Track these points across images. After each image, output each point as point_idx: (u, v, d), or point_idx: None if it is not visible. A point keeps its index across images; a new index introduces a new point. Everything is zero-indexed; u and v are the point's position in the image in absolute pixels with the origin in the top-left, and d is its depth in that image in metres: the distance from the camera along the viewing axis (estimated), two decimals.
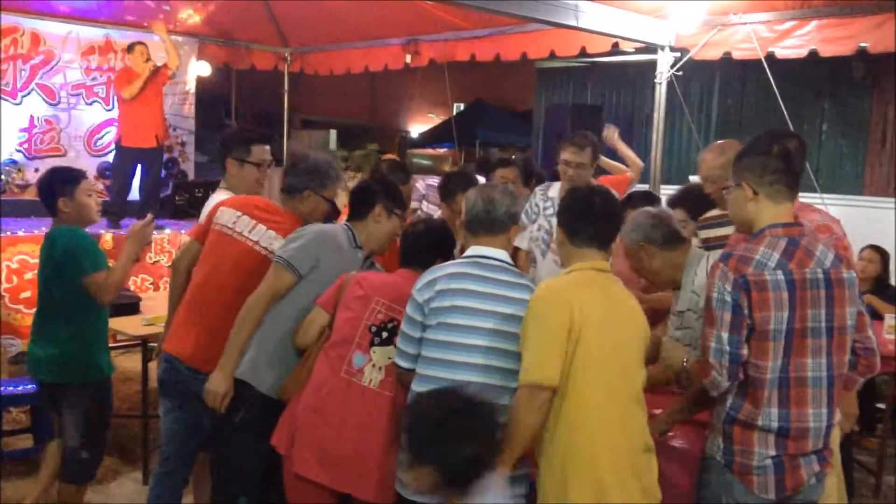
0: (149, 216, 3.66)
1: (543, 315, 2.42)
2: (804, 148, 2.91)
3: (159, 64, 7.99)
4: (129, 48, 7.98)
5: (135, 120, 7.78)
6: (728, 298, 2.37)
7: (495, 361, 2.57)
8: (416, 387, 2.62)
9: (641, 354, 2.55)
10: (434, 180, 5.70)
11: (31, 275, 6.50)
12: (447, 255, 2.96)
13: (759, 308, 2.34)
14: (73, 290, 3.46)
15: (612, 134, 6.30)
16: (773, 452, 2.40)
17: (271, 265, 2.99)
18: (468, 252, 2.74)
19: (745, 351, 2.38)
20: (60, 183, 3.63)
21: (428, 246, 2.98)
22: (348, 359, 2.81)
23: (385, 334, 2.83)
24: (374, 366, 2.81)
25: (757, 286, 2.34)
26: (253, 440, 2.95)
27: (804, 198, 7.96)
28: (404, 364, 2.68)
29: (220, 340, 3.03)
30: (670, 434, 2.82)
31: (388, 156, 8.24)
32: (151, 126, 7.85)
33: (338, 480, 2.75)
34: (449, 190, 4.02)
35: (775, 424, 2.39)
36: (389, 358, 2.78)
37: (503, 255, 2.71)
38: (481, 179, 5.18)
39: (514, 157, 5.50)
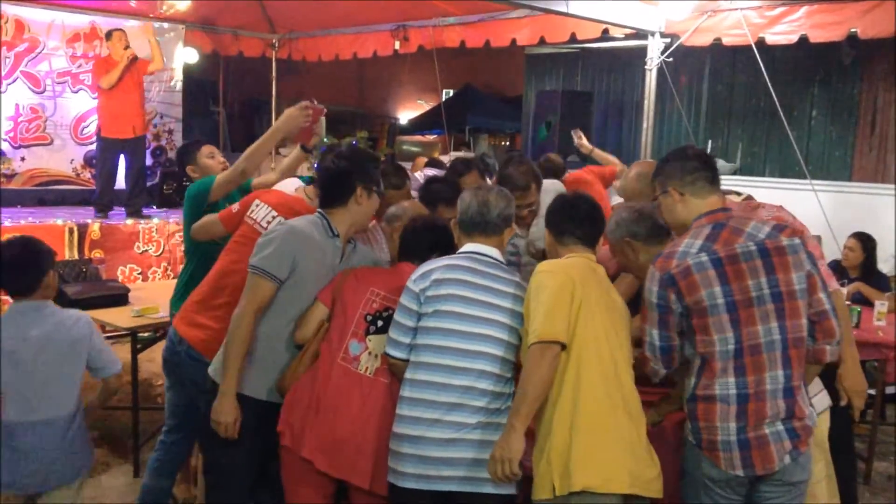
0: (304, 102, 3.59)
1: (548, 283, 2.54)
2: (704, 156, 2.97)
3: (140, 55, 7.92)
4: (108, 35, 7.90)
5: (114, 110, 7.70)
6: (654, 299, 2.55)
7: (490, 349, 2.61)
8: (411, 374, 2.65)
9: (628, 331, 2.67)
10: (434, 172, 5.64)
11: None
12: (446, 252, 2.92)
13: (689, 293, 2.48)
14: (194, 240, 3.72)
15: (583, 142, 6.31)
16: (734, 424, 2.46)
17: (248, 276, 2.90)
18: (463, 248, 2.80)
19: (675, 342, 2.57)
20: (184, 153, 4.07)
21: (428, 242, 2.97)
22: (344, 347, 2.82)
23: (381, 323, 2.83)
24: (370, 354, 2.82)
25: (682, 275, 2.49)
26: (242, 444, 2.92)
27: (795, 184, 8.03)
28: (396, 354, 2.69)
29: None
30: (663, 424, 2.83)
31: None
32: (130, 117, 7.77)
33: (334, 467, 2.75)
34: (429, 199, 3.69)
35: (732, 392, 2.46)
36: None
37: (496, 253, 2.79)
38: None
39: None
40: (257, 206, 3.27)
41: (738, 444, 2.46)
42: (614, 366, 2.54)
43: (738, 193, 3.62)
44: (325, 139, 10.07)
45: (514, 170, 3.67)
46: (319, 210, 3.04)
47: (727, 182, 7.41)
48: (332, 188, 3.02)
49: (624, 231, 2.93)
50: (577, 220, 2.74)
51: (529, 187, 3.56)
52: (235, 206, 3.39)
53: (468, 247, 2.79)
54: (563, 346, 2.47)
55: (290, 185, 3.59)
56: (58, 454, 2.89)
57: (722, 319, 2.46)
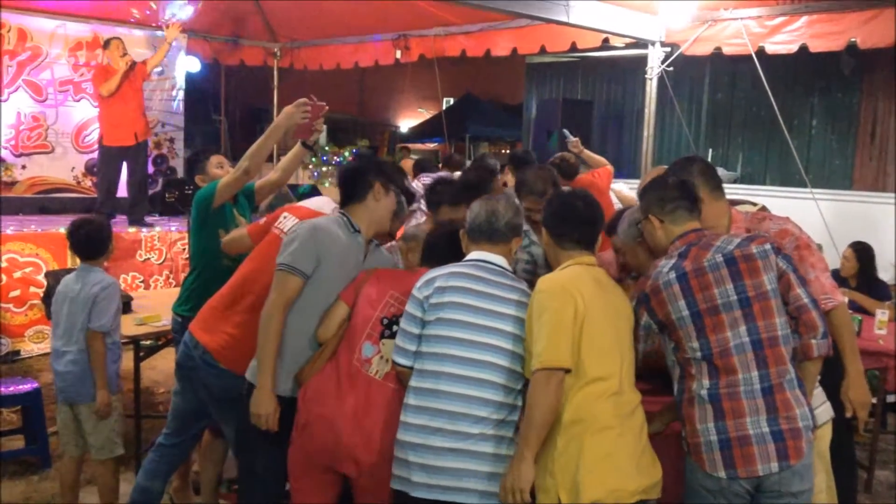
0: (302, 100, 3.53)
1: (549, 305, 2.53)
2: (708, 167, 3.07)
3: (138, 60, 7.94)
4: (105, 44, 7.90)
5: (115, 118, 7.71)
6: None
7: (494, 358, 2.60)
8: (415, 382, 2.64)
9: (632, 335, 2.69)
10: (430, 178, 5.65)
11: (20, 273, 6.46)
12: None
13: (659, 310, 2.64)
14: (200, 244, 3.82)
15: (577, 145, 6.33)
16: (712, 424, 2.50)
17: (275, 273, 2.92)
18: (469, 256, 2.81)
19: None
20: (194, 162, 4.17)
21: (453, 249, 2.96)
22: (358, 348, 2.83)
23: (395, 328, 2.82)
24: (381, 357, 2.82)
25: (653, 294, 2.64)
26: (276, 443, 2.93)
27: (795, 193, 8.04)
28: (402, 361, 2.69)
29: (251, 339, 2.97)
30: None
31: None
32: (131, 123, 7.77)
33: (342, 465, 2.76)
34: (433, 200, 3.76)
35: (706, 393, 2.53)
36: None
37: (502, 261, 2.79)
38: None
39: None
40: (285, 217, 3.31)
41: (718, 443, 2.50)
42: (618, 377, 2.54)
43: (754, 204, 3.62)
44: (325, 147, 10.11)
45: (533, 174, 3.65)
46: (340, 210, 3.07)
47: (729, 191, 7.43)
48: (350, 185, 3.06)
49: (636, 231, 2.94)
50: (575, 223, 2.72)
51: (546, 193, 3.51)
52: (263, 220, 3.43)
53: (474, 254, 2.79)
54: (568, 371, 2.47)
55: (327, 206, 3.55)
56: (78, 378, 3.76)
57: (689, 330, 2.57)
